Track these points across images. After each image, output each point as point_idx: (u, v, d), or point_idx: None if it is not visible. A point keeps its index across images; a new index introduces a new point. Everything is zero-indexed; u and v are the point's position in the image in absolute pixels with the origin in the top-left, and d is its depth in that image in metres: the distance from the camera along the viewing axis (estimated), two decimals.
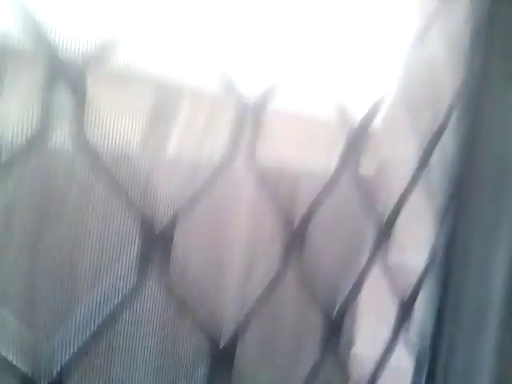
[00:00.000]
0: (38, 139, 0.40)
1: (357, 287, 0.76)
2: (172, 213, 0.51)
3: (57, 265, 0.50)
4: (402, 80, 0.82)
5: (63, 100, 0.41)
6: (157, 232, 0.50)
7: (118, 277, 0.49)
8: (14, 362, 0.40)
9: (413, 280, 0.91)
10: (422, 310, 0.95)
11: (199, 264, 0.61)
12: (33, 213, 0.48)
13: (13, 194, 0.45)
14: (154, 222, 0.50)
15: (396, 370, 0.94)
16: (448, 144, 0.92)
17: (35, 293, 0.48)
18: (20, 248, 0.47)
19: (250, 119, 0.57)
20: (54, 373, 0.43)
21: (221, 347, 0.58)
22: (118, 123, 0.48)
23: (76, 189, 0.49)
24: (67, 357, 0.45)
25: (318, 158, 0.75)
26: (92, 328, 0.46)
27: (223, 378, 0.58)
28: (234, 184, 0.61)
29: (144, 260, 0.49)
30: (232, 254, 0.66)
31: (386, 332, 0.87)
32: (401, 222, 0.85)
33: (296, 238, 0.65)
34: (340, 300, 0.74)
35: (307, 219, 0.66)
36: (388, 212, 0.81)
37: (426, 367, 0.95)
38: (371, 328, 0.87)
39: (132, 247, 0.49)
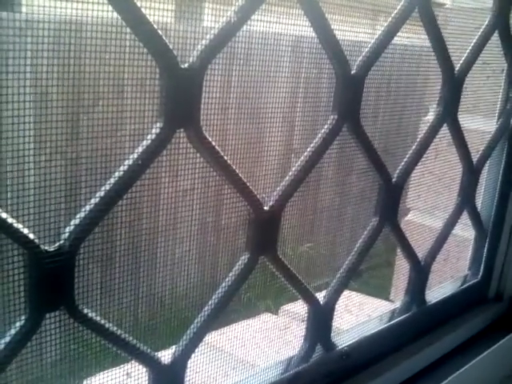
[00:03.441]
0: None
1: (421, 149, 0.69)
2: None
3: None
4: None
5: None
6: None
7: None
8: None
9: (482, 145, 0.83)
10: (489, 178, 0.88)
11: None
12: None
13: None
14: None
15: (459, 237, 0.90)
16: None
17: None
18: None
19: None
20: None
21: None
22: None
23: None
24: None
25: None
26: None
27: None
28: None
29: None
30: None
31: (451, 199, 0.81)
32: (471, 81, 0.76)
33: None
34: (402, 163, 0.68)
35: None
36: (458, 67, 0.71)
37: (489, 236, 0.90)
38: (436, 194, 0.81)
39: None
